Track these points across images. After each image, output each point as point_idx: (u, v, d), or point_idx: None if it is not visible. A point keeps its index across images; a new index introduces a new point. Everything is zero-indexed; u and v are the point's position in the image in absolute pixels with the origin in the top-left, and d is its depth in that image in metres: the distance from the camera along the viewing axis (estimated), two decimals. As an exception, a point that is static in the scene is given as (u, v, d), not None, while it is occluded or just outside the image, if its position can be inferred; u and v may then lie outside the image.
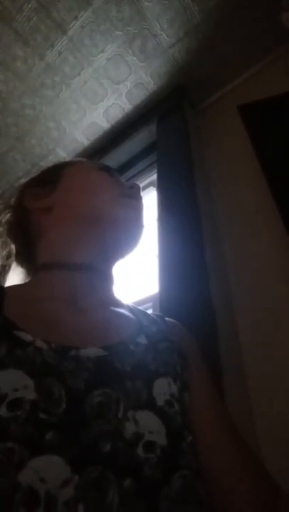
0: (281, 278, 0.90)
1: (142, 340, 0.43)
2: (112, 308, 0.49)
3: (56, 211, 0.54)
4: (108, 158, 1.72)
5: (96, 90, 1.60)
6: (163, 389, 0.37)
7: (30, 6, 1.31)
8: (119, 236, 0.53)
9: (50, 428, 0.28)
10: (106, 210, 0.52)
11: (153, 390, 0.37)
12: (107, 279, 0.53)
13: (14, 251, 0.59)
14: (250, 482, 0.37)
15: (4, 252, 0.58)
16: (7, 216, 0.59)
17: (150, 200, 1.57)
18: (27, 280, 0.57)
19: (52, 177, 0.59)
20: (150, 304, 1.22)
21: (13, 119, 1.70)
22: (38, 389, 0.30)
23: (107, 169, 0.59)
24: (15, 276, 0.60)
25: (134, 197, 0.57)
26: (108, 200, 0.53)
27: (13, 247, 0.59)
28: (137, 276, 1.38)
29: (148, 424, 0.33)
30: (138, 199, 0.58)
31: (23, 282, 0.56)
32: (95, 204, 0.52)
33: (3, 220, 0.60)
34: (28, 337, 0.35)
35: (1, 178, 1.88)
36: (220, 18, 1.35)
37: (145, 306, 1.22)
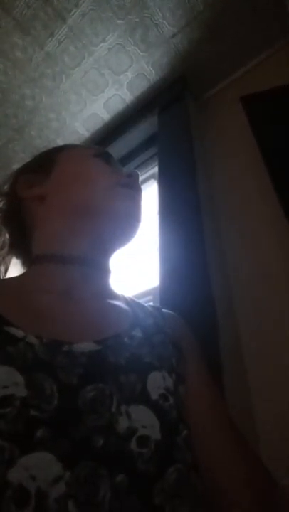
0: (283, 272, 0.89)
1: (137, 333, 0.43)
2: (108, 300, 0.48)
3: (50, 201, 0.52)
4: (108, 150, 1.70)
5: (97, 81, 1.58)
6: (157, 383, 0.37)
7: (29, -8, 1.28)
8: (116, 228, 0.51)
9: (41, 425, 0.28)
10: (102, 201, 0.50)
11: (147, 384, 0.36)
12: (103, 270, 0.52)
13: (8, 241, 0.57)
14: (247, 477, 0.37)
15: None
16: (0, 204, 0.58)
17: (151, 193, 1.55)
18: (23, 271, 0.56)
19: (45, 163, 0.57)
20: (150, 297, 1.22)
21: (13, 110, 1.68)
22: (29, 385, 0.29)
23: (103, 155, 0.57)
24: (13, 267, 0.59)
25: (131, 186, 0.55)
26: (104, 191, 0.51)
27: (7, 236, 0.58)
28: (137, 269, 1.37)
29: (141, 419, 0.32)
30: (136, 189, 0.55)
31: (18, 274, 0.55)
32: (89, 194, 0.50)
33: None
34: (19, 332, 0.34)
35: (0, 170, 1.87)
36: (223, 7, 1.32)
37: (145, 299, 1.21)
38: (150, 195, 1.53)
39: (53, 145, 1.88)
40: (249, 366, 0.81)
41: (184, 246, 0.96)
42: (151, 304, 1.06)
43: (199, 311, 0.79)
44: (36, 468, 0.25)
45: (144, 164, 1.69)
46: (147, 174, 1.67)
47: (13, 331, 0.34)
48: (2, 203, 0.58)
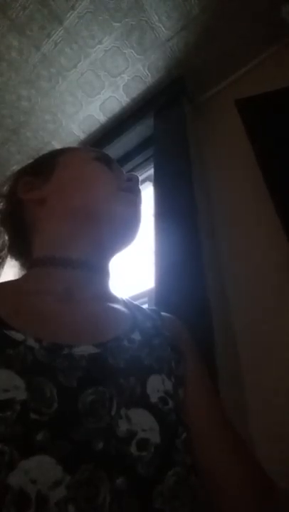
0: (276, 272, 0.89)
1: (136, 336, 0.43)
2: (107, 303, 0.48)
3: (50, 203, 0.52)
4: (104, 151, 1.70)
5: (93, 83, 1.58)
6: (157, 386, 0.37)
7: (25, -7, 1.28)
8: (116, 231, 0.51)
9: (41, 428, 0.27)
10: (102, 205, 0.50)
11: (147, 387, 0.36)
12: (102, 273, 0.52)
13: (7, 242, 0.57)
14: (244, 477, 0.37)
15: None
16: (0, 206, 0.58)
17: (147, 194, 1.56)
18: (21, 274, 0.55)
19: (46, 166, 0.57)
20: (146, 299, 1.22)
21: (9, 110, 1.67)
22: (29, 388, 0.29)
23: (104, 158, 0.57)
24: (10, 269, 0.59)
25: (131, 191, 0.55)
26: (104, 195, 0.51)
27: (6, 238, 0.57)
28: (133, 270, 1.37)
29: (141, 422, 0.33)
30: (136, 193, 0.56)
31: (17, 277, 0.55)
32: (90, 198, 0.50)
33: None
34: (19, 336, 0.34)
35: (-5, 171, 1.86)
36: (219, 11, 1.33)
37: (141, 300, 1.21)
38: (146, 197, 1.54)
39: (48, 146, 1.88)
40: (244, 366, 0.81)
41: (180, 247, 0.96)
42: (146, 305, 1.07)
43: (195, 312, 0.79)
44: (36, 472, 0.25)
45: (139, 166, 1.69)
46: (143, 176, 1.67)
47: (13, 334, 0.34)
48: (1, 204, 0.58)
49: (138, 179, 0.58)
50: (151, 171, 1.55)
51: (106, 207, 0.50)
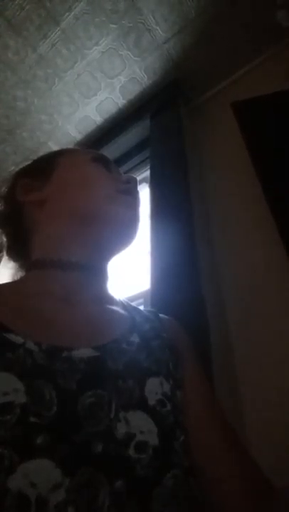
0: (270, 274, 0.90)
1: (135, 338, 0.43)
2: (106, 305, 0.48)
3: (50, 205, 0.52)
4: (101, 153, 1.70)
5: (89, 84, 1.58)
6: (155, 388, 0.37)
7: (22, -6, 1.28)
8: (115, 233, 0.51)
9: (41, 431, 0.28)
10: (101, 207, 0.50)
11: (145, 390, 0.36)
12: (101, 275, 0.52)
13: (6, 244, 0.57)
14: (243, 477, 0.38)
15: None
16: None
17: (143, 196, 1.55)
18: (18, 275, 0.55)
19: (45, 168, 0.57)
20: (141, 300, 1.22)
21: (5, 111, 1.67)
22: (29, 392, 0.29)
23: (102, 160, 0.57)
24: (6, 270, 0.59)
25: (130, 193, 0.55)
26: (103, 198, 0.51)
27: (5, 239, 0.57)
28: (129, 272, 1.37)
29: (139, 424, 0.33)
30: (134, 195, 0.56)
31: (14, 278, 0.54)
32: (89, 200, 0.50)
33: None
34: (18, 339, 0.34)
35: (-9, 171, 1.85)
36: (215, 14, 1.34)
37: (136, 302, 1.21)
38: (142, 198, 1.53)
39: (44, 147, 1.87)
40: (241, 366, 0.82)
41: (175, 249, 0.96)
42: (142, 307, 1.07)
43: (190, 313, 0.79)
44: (36, 475, 0.25)
45: (136, 168, 1.69)
46: (140, 178, 1.67)
47: (12, 337, 0.34)
48: (0, 206, 0.57)
49: (136, 181, 0.58)
50: (147, 173, 1.56)
51: (105, 208, 0.50)
